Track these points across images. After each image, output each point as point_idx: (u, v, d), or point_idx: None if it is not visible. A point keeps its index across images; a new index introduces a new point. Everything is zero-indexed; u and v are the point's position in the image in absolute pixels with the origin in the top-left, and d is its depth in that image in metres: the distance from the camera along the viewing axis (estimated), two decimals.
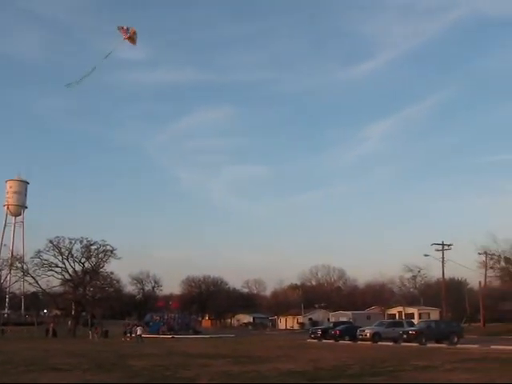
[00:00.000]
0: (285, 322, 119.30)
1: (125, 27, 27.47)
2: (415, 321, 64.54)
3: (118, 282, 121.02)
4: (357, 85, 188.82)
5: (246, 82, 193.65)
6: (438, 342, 45.24)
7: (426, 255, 76.06)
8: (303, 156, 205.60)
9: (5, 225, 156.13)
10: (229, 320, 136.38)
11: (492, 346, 38.08)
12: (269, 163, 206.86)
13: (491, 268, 78.72)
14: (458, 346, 41.81)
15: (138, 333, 57.07)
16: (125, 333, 66.25)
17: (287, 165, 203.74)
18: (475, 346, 39.76)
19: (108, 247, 77.21)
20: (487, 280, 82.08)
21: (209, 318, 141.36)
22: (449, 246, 75.20)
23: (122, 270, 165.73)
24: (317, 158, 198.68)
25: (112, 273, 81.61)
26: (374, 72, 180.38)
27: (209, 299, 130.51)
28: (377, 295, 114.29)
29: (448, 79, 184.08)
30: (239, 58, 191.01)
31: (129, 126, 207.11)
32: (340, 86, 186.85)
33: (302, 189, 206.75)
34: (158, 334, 71.70)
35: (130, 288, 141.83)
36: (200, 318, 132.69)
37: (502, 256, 75.03)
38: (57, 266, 75.87)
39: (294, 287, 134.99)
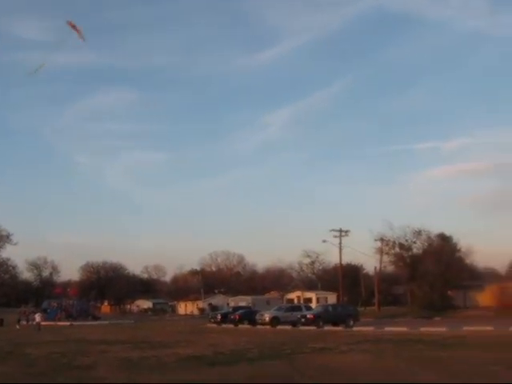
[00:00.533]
0: (185, 308, 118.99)
1: (73, 23, 26.55)
2: (313, 305, 65.81)
3: (13, 268, 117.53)
4: (261, 71, 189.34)
5: (149, 67, 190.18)
6: (334, 325, 46.27)
7: (324, 241, 77.64)
8: (205, 141, 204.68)
9: None
10: (128, 306, 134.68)
11: (386, 328, 39.29)
12: (170, 149, 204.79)
13: (386, 254, 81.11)
14: (354, 328, 42.92)
15: (37, 320, 55.03)
16: (18, 320, 63.90)
17: (189, 150, 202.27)
18: (370, 328, 40.91)
19: (3, 232, 74.37)
20: (382, 265, 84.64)
21: (108, 304, 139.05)
22: (346, 232, 77.00)
23: (19, 256, 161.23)
24: (219, 143, 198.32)
25: (8, 259, 78.74)
26: (278, 59, 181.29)
27: (108, 285, 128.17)
28: (276, 280, 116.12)
29: (350, 69, 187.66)
30: (144, 41, 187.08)
31: (25, 108, 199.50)
32: (244, 71, 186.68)
33: (203, 174, 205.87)
34: (55, 321, 69.81)
35: (26, 274, 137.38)
36: (99, 304, 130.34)
37: (397, 242, 77.40)
38: None
39: (193, 272, 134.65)
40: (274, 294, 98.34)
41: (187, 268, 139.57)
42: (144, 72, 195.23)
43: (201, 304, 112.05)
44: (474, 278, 79.23)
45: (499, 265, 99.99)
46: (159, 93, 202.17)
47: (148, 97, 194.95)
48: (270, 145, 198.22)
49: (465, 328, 35.28)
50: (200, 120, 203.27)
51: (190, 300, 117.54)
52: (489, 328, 34.11)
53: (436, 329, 36.49)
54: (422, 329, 37.04)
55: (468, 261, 76.79)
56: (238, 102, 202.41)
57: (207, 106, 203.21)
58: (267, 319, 50.57)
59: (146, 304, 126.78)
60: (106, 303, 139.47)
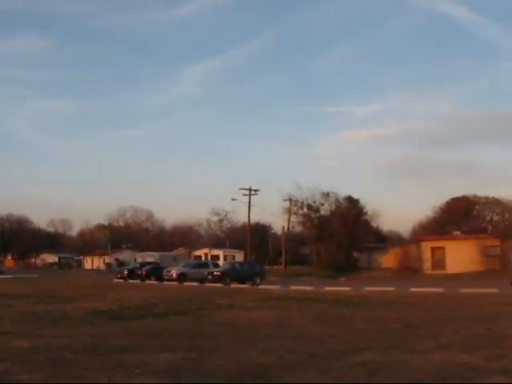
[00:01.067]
0: (91, 263, 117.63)
1: None
2: (220, 262, 66.20)
3: None
4: (179, 25, 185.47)
5: (60, 14, 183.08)
6: (241, 282, 46.76)
7: (233, 199, 78.13)
8: (117, 94, 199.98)
9: None
10: (33, 260, 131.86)
11: (292, 287, 40.03)
12: (79, 98, 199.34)
13: (294, 214, 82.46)
14: (261, 286, 43.51)
15: None
16: None
17: (99, 101, 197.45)
18: (276, 286, 41.57)
19: None
20: (290, 225, 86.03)
21: (12, 258, 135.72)
22: (256, 191, 77.71)
23: None
24: (131, 96, 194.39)
25: None
26: (197, 14, 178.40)
27: (12, 238, 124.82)
28: (184, 237, 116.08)
29: (269, 27, 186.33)
30: None
31: None
32: (162, 24, 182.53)
33: (114, 126, 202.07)
34: None
35: None
36: (2, 258, 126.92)
37: (305, 203, 78.75)
38: None
39: (101, 227, 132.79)
40: (181, 251, 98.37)
41: (94, 222, 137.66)
42: (55, 19, 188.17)
43: (108, 259, 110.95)
44: (378, 240, 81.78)
45: (403, 229, 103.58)
46: (70, 41, 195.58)
47: (59, 45, 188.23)
48: (184, 100, 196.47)
49: (368, 288, 36.38)
50: (112, 71, 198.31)
51: (97, 255, 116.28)
52: (391, 289, 35.29)
53: (340, 288, 37.46)
54: (327, 288, 37.92)
55: (374, 224, 79.13)
56: (152, 54, 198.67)
57: (120, 59, 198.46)
58: (174, 275, 50.57)
59: (51, 258, 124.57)
60: (9, 257, 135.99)
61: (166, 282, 49.39)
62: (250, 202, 77.24)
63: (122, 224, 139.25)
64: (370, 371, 10.16)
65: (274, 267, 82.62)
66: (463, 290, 32.07)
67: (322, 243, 72.38)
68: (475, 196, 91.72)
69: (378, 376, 9.75)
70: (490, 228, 76.21)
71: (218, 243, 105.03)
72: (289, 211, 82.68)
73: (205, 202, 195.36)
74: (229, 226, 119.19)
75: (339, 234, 68.07)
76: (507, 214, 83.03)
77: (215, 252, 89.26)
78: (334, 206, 76.32)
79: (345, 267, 67.25)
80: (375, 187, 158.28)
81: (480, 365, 10.62)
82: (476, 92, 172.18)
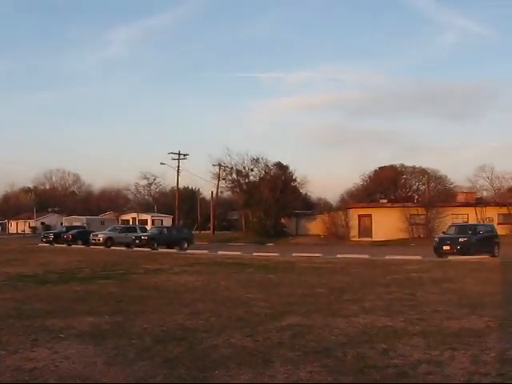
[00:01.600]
0: (16, 226, 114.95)
1: None
2: (148, 227, 65.79)
3: None
4: None
5: None
6: (169, 247, 46.70)
7: (162, 163, 77.60)
8: (41, 53, 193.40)
9: None
10: None
11: (220, 252, 40.17)
12: (4, 57, 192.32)
13: (223, 179, 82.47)
14: (188, 251, 43.52)
15: None
16: None
17: (23, 60, 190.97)
18: (204, 251, 41.67)
19: None
20: (219, 190, 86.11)
21: None
22: (185, 155, 77.31)
23: None
24: (57, 57, 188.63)
25: None
26: None
27: None
28: (112, 201, 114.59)
29: None
30: None
31: None
32: None
33: (40, 87, 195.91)
34: None
35: None
36: None
37: (234, 168, 78.81)
38: None
39: (26, 190, 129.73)
40: (109, 215, 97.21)
41: (19, 186, 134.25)
42: None
43: (33, 223, 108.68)
44: (307, 207, 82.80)
45: (332, 197, 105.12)
46: None
47: None
48: (113, 62, 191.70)
49: (295, 254, 36.84)
50: (37, 31, 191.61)
51: (22, 219, 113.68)
52: (317, 254, 35.82)
53: (268, 254, 37.81)
54: (255, 253, 38.23)
55: (302, 191, 79.94)
56: (79, 15, 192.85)
57: (44, 19, 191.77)
58: (101, 240, 50.07)
59: None
60: None
61: (92, 247, 48.81)
62: (178, 167, 76.94)
63: (48, 187, 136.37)
64: (295, 334, 10.29)
65: (203, 232, 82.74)
66: (388, 257, 32.82)
67: (250, 209, 72.74)
68: (402, 165, 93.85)
69: (302, 339, 9.88)
70: (416, 197, 78.09)
71: (146, 208, 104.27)
72: (218, 176, 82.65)
73: (133, 167, 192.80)
74: (157, 190, 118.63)
75: (268, 200, 68.51)
76: (433, 184, 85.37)
77: (143, 216, 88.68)
78: (263, 172, 76.57)
79: (273, 233, 67.89)
80: (304, 154, 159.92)
81: (401, 328, 10.91)
82: (407, 64, 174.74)
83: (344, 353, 8.87)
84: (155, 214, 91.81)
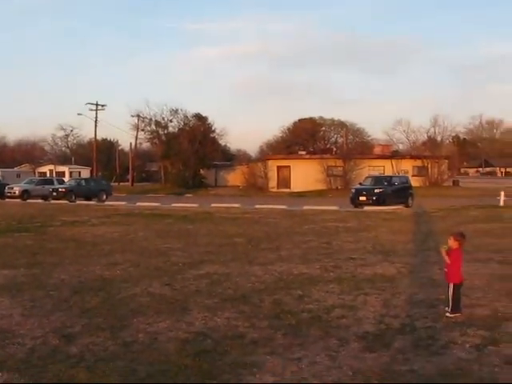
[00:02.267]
0: None
1: None
2: (66, 179, 64.42)
3: None
4: None
5: None
6: (87, 199, 45.99)
7: (79, 114, 75.73)
8: None
9: None
10: None
11: (138, 203, 39.89)
12: None
13: (142, 130, 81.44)
14: (107, 203, 43.02)
15: None
16: None
17: None
18: (122, 203, 41.28)
19: None
20: (138, 142, 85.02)
21: None
22: (103, 106, 75.67)
23: None
24: None
25: None
26: None
27: None
28: (28, 153, 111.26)
29: None
30: None
31: None
32: None
33: None
34: None
35: None
36: None
37: (153, 119, 77.85)
38: None
39: None
40: (25, 168, 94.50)
41: None
42: None
43: None
44: (226, 158, 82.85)
45: (251, 148, 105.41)
46: None
47: None
48: (32, 10, 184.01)
49: (214, 205, 36.96)
50: None
51: None
52: (236, 205, 36.04)
53: (187, 205, 37.76)
54: (174, 204, 38.14)
55: (222, 142, 79.82)
56: None
57: None
58: (17, 192, 48.77)
59: None
60: None
61: (7, 200, 47.47)
62: (96, 118, 75.28)
63: None
64: (213, 282, 10.44)
65: (121, 184, 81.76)
66: (306, 207, 33.39)
67: (169, 160, 72.23)
68: (321, 118, 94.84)
69: (220, 287, 10.03)
70: (334, 149, 79.29)
71: (63, 160, 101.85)
72: (137, 128, 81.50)
73: (50, 118, 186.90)
74: (75, 142, 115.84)
75: (187, 152, 68.15)
76: (351, 136, 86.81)
77: (61, 168, 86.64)
78: (182, 123, 75.97)
79: (192, 184, 67.80)
80: (227, 106, 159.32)
81: (316, 275, 11.22)
82: (332, 18, 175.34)
83: (261, 299, 9.08)
84: (73, 166, 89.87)
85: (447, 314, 8.00)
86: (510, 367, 5.90)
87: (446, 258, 8.21)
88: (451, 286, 8.06)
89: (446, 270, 8.33)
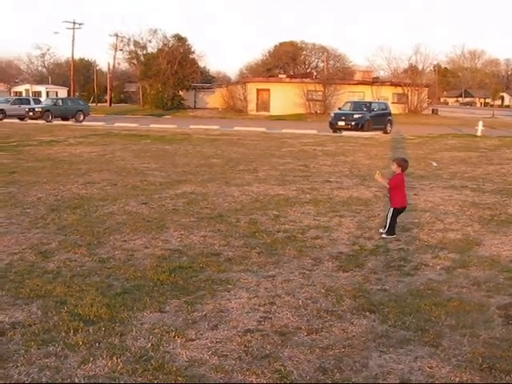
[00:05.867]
0: None
1: None
2: (42, 99, 63.40)
3: None
4: None
5: None
6: (64, 119, 45.38)
7: (55, 33, 74.08)
8: None
9: None
10: None
11: (116, 124, 39.53)
12: None
13: (121, 50, 79.86)
14: (84, 123, 42.53)
15: None
16: None
17: None
18: (101, 123, 40.85)
19: None
20: (116, 62, 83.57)
21: None
22: (80, 25, 73.79)
23: None
24: None
25: None
26: None
27: None
28: (2, 72, 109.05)
29: None
30: None
31: None
32: None
33: None
34: None
35: None
36: None
37: (132, 39, 76.24)
38: None
39: None
40: (0, 87, 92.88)
41: None
42: None
43: None
44: (206, 80, 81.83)
45: (231, 71, 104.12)
46: None
47: None
48: None
49: (193, 126, 36.76)
50: None
51: None
52: (215, 127, 35.90)
53: (165, 126, 37.55)
54: (152, 125, 37.89)
55: (201, 63, 78.63)
56: None
57: None
58: None
59: None
60: None
61: None
62: (73, 37, 73.48)
63: None
64: (190, 202, 10.49)
65: (99, 105, 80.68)
66: (285, 131, 33.33)
67: (148, 81, 71.03)
68: (303, 42, 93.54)
69: (197, 206, 10.09)
70: (315, 74, 78.49)
71: (40, 79, 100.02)
72: (115, 47, 79.89)
73: (25, 36, 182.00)
74: (51, 61, 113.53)
75: (166, 72, 67.00)
76: (332, 61, 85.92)
77: (37, 88, 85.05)
78: (161, 43, 74.43)
79: (171, 106, 67.01)
80: (205, 26, 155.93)
81: (293, 196, 11.30)
82: None
83: (237, 219, 9.16)
84: (50, 86, 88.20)
85: (383, 235, 8.24)
86: (477, 288, 6.05)
87: (384, 183, 8.35)
88: (391, 209, 8.21)
89: (388, 194, 8.44)
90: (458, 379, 4.10)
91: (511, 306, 5.55)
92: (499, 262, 7.04)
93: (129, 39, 76.63)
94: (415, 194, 11.66)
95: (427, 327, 4.97)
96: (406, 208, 8.60)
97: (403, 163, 8.41)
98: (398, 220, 8.40)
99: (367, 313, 5.30)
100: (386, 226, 8.25)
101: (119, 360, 4.27)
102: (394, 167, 8.36)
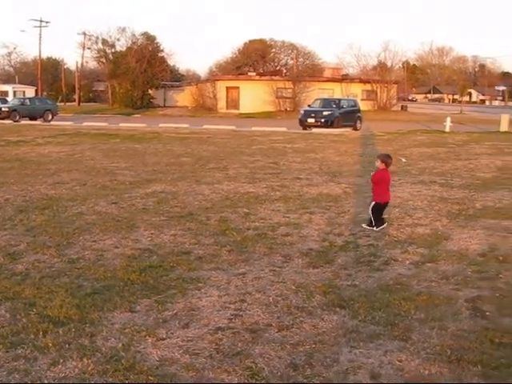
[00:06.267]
0: None
1: None
2: (9, 99, 62.59)
3: None
4: None
5: None
6: (32, 119, 44.87)
7: (22, 31, 73.39)
8: None
9: None
10: None
11: (85, 123, 39.18)
12: None
13: (89, 49, 79.25)
14: (53, 123, 42.09)
15: None
16: None
17: None
18: (69, 123, 40.46)
19: None
20: (84, 61, 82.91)
21: None
22: (47, 23, 73.06)
23: None
24: None
25: None
26: None
27: None
28: None
29: None
30: None
31: None
32: None
33: None
34: None
35: None
36: None
37: (100, 37, 75.69)
38: None
39: None
40: None
41: None
42: None
43: None
44: (175, 78, 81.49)
45: (201, 69, 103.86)
46: None
47: None
48: None
49: (162, 125, 36.59)
50: None
51: None
52: (185, 125, 35.79)
53: (135, 125, 37.32)
54: (121, 124, 37.62)
55: (171, 62, 78.31)
56: None
57: None
58: None
59: None
60: None
61: None
62: (40, 35, 72.74)
63: None
64: (160, 201, 10.46)
65: (68, 104, 79.91)
66: (254, 128, 33.34)
67: (117, 80, 70.51)
68: (272, 39, 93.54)
69: (167, 205, 10.06)
70: (285, 71, 78.56)
71: (6, 79, 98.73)
72: (83, 46, 79.26)
73: None
74: (18, 60, 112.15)
75: (135, 71, 66.56)
76: (301, 59, 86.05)
77: (4, 88, 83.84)
78: (130, 41, 73.97)
79: (140, 104, 66.64)
80: (173, 24, 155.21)
81: (263, 194, 11.33)
82: None
83: (207, 217, 9.15)
84: (17, 86, 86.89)
85: (362, 225, 8.49)
86: (445, 282, 6.13)
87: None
88: (372, 203, 8.37)
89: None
90: (427, 372, 4.15)
91: (479, 299, 5.64)
92: (467, 255, 7.13)
93: (97, 37, 76.17)
94: None
95: (397, 321, 5.03)
96: (389, 203, 8.70)
97: (387, 159, 8.53)
98: (367, 216, 8.48)
99: (337, 308, 5.34)
100: (371, 223, 8.36)
101: (90, 361, 4.25)
102: (378, 163, 8.48)
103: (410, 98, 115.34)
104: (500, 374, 4.11)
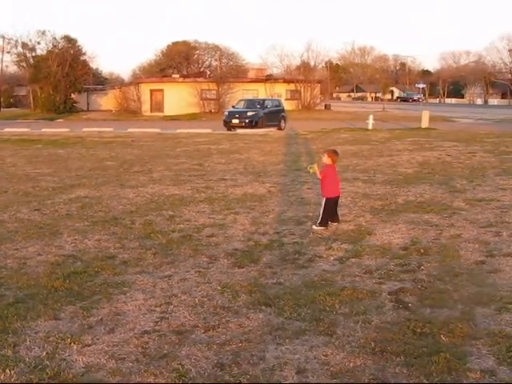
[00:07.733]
0: None
1: None
2: None
3: None
4: None
5: None
6: None
7: None
8: None
9: None
10: None
11: (6, 129, 38.09)
12: None
13: (8, 53, 77.16)
14: None
15: None
16: None
17: None
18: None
19: None
20: (4, 65, 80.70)
21: None
22: None
23: None
24: None
25: None
26: None
27: None
28: None
29: None
30: None
31: None
32: None
33: None
34: None
35: None
36: None
37: (20, 41, 73.80)
38: None
39: None
40: None
41: None
42: None
43: None
44: (98, 82, 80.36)
45: (124, 72, 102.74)
46: None
47: None
48: None
49: (86, 129, 35.98)
50: None
51: None
52: (108, 129, 35.30)
53: (58, 130, 36.54)
54: (44, 130, 36.77)
55: (93, 65, 77.15)
56: None
57: None
58: None
59: None
60: None
61: None
62: None
63: None
64: (83, 206, 10.31)
65: None
66: (179, 131, 33.15)
67: (38, 84, 68.87)
68: (196, 41, 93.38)
69: (91, 210, 9.93)
70: (209, 73, 78.51)
71: None
72: (2, 50, 77.06)
73: None
74: None
75: (56, 75, 65.18)
76: (225, 60, 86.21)
77: None
78: (51, 45, 72.36)
79: (63, 109, 65.30)
80: (95, 26, 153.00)
81: (188, 196, 11.32)
82: None
83: (132, 221, 9.09)
84: None
85: (313, 226, 8.44)
86: (369, 276, 6.28)
87: (318, 174, 8.56)
88: (324, 200, 8.46)
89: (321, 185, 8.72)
90: (352, 364, 4.25)
91: (401, 291, 5.80)
92: (390, 249, 7.32)
93: (16, 41, 74.14)
94: (309, 188, 11.94)
95: (322, 317, 5.12)
96: (340, 197, 8.80)
97: (333, 154, 8.65)
98: (291, 214, 8.58)
99: (263, 307, 5.40)
100: (319, 218, 8.43)
101: (13, 372, 4.16)
102: (325, 158, 8.58)
103: (333, 96, 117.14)
104: (422, 361, 4.25)
